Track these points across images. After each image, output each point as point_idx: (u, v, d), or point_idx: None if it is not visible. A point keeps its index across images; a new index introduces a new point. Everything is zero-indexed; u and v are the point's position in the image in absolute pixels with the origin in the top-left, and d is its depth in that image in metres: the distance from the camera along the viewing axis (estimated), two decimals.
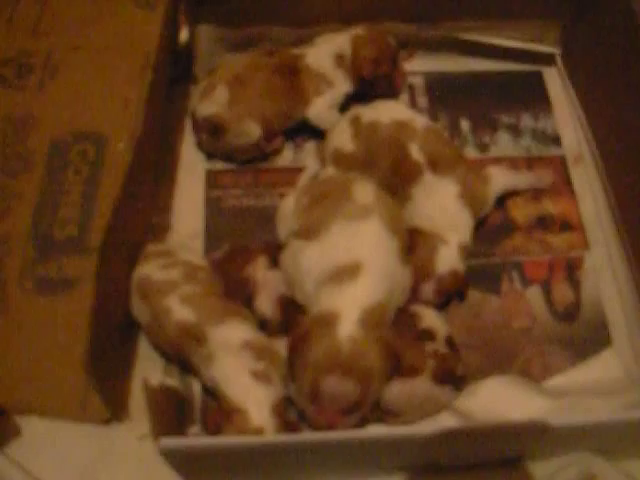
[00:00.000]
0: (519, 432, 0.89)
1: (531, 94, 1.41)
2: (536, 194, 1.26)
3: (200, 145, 1.29)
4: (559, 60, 1.43)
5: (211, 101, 1.22)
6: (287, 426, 0.95)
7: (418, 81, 1.41)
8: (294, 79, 1.26)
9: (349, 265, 0.94)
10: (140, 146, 1.03)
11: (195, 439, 0.88)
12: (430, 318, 1.03)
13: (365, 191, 1.04)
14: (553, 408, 0.99)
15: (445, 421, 1.01)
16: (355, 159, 1.18)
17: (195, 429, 0.94)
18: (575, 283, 1.20)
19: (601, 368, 1.10)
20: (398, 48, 1.32)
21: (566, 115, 1.39)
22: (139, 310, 1.05)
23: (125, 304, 1.07)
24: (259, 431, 0.92)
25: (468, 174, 1.14)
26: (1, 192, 1.09)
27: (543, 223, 1.25)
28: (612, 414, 0.97)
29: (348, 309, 0.91)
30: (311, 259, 0.99)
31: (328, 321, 0.91)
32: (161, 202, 1.23)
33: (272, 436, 0.90)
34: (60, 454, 1.00)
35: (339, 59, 1.28)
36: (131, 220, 1.07)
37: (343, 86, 1.29)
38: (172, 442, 0.79)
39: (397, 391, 0.97)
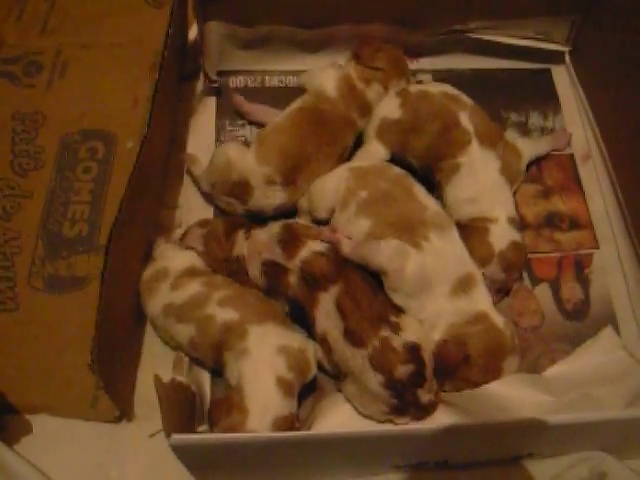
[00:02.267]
0: (516, 430, 0.90)
1: (540, 92, 1.41)
2: (546, 192, 1.27)
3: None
4: (567, 58, 1.43)
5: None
6: None
7: (426, 79, 1.41)
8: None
9: (465, 277, 1.05)
10: (149, 144, 1.03)
11: (206, 435, 0.89)
12: (407, 320, 1.02)
13: (427, 196, 1.10)
14: (559, 406, 0.99)
15: (445, 419, 1.00)
16: (402, 125, 1.19)
17: (205, 427, 0.94)
18: (584, 281, 1.20)
19: (602, 349, 1.09)
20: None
21: (574, 113, 1.39)
22: (178, 332, 1.04)
23: (133, 302, 1.07)
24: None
25: (505, 150, 1.18)
26: (11, 190, 1.09)
27: (552, 221, 1.25)
28: (620, 404, 0.98)
29: (488, 307, 1.05)
30: (425, 268, 1.02)
31: (480, 319, 1.03)
32: (170, 199, 1.23)
33: (281, 432, 0.90)
34: (70, 452, 1.01)
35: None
36: (140, 217, 1.07)
37: None
38: (183, 438, 0.79)
39: (340, 352, 0.99)
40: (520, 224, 1.16)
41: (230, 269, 1.10)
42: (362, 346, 0.97)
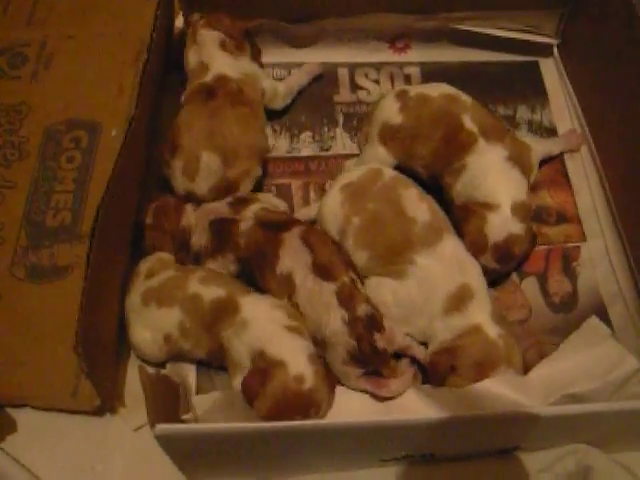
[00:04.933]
0: (503, 423, 0.90)
1: (527, 85, 1.41)
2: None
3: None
4: (556, 51, 1.43)
5: (208, 173, 1.16)
6: (327, 375, 0.98)
7: (414, 71, 1.42)
8: (243, 97, 1.22)
9: (459, 292, 1.03)
10: (132, 130, 1.02)
11: (191, 425, 0.88)
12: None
13: (417, 205, 1.09)
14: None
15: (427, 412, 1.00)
16: (403, 130, 1.19)
17: (190, 415, 0.93)
18: (572, 274, 1.20)
19: (588, 340, 1.05)
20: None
21: (562, 106, 1.39)
22: (163, 321, 1.03)
23: (119, 293, 1.06)
24: (299, 379, 0.94)
25: (513, 142, 1.17)
26: None
27: (540, 215, 1.25)
28: (606, 397, 0.97)
29: (484, 319, 1.02)
30: (413, 297, 1.05)
31: (472, 333, 1.01)
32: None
33: (267, 422, 0.89)
34: (55, 446, 1.00)
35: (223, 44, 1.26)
36: (124, 205, 1.07)
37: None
38: (168, 428, 0.79)
39: (305, 290, 1.02)
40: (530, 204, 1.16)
41: (176, 243, 1.13)
42: (332, 280, 1.01)
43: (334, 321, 0.99)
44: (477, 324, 1.01)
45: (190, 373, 1.06)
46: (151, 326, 1.03)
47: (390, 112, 1.21)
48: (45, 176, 1.09)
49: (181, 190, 1.17)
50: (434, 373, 1.02)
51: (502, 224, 1.10)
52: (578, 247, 1.22)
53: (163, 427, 0.78)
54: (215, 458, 0.91)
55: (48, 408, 1.01)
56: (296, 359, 0.95)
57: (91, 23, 1.23)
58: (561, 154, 1.32)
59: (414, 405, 0.99)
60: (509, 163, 1.14)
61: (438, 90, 1.20)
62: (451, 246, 1.06)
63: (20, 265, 1.03)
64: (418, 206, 1.08)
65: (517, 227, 1.11)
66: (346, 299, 1.00)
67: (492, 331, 1.01)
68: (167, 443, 0.82)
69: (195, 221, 1.12)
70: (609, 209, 1.25)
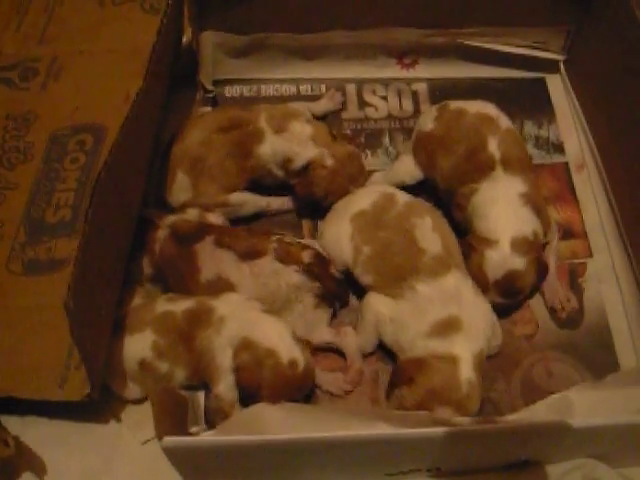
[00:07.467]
0: (510, 436, 0.89)
1: (534, 101, 1.42)
2: None
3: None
4: (562, 67, 1.43)
5: (179, 189, 1.21)
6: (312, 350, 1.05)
7: (422, 87, 1.43)
8: (246, 162, 1.22)
9: (447, 321, 1.03)
10: (128, 128, 1.01)
11: (198, 438, 0.88)
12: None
13: (430, 236, 1.09)
14: None
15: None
16: (433, 138, 1.20)
17: (198, 428, 0.93)
18: (578, 290, 1.20)
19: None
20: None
21: (569, 122, 1.39)
22: (135, 346, 1.04)
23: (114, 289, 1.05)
24: (293, 364, 0.99)
25: (534, 184, 1.16)
26: None
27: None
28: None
29: (465, 356, 1.01)
30: (405, 314, 1.06)
31: (447, 360, 1.00)
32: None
33: (272, 435, 0.89)
34: (62, 457, 1.01)
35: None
36: (120, 205, 1.05)
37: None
38: (175, 441, 0.79)
39: (248, 278, 1.07)
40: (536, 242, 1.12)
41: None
42: (264, 254, 1.08)
43: (291, 278, 1.06)
44: (455, 355, 1.00)
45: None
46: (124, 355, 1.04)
47: (426, 120, 1.23)
48: (48, 177, 1.09)
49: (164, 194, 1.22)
50: (394, 375, 1.04)
51: (500, 261, 1.08)
52: (584, 263, 1.22)
53: (171, 440, 0.79)
54: (222, 471, 0.91)
55: (34, 399, 0.97)
56: (285, 345, 1.00)
57: (102, 38, 1.23)
58: (567, 169, 1.32)
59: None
60: (522, 200, 1.12)
61: (477, 107, 1.20)
62: (454, 281, 1.05)
63: (17, 260, 1.03)
64: (431, 237, 1.09)
65: (517, 262, 1.08)
66: (287, 257, 1.07)
67: (465, 372, 0.99)
68: (175, 456, 0.82)
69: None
70: (616, 225, 1.25)
